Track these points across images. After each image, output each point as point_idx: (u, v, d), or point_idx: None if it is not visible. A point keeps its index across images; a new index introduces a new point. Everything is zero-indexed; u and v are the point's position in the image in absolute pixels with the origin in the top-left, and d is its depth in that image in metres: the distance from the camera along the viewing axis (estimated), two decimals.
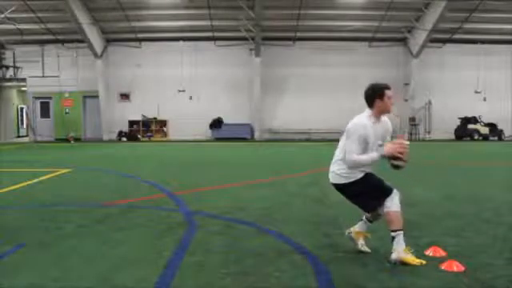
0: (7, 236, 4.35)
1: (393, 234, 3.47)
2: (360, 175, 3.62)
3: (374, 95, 3.58)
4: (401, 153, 3.46)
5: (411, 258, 3.44)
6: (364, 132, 3.51)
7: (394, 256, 3.46)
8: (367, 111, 3.62)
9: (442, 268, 3.36)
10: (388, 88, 3.60)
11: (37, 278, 3.21)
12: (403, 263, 3.42)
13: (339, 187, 3.75)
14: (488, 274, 3.27)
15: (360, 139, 3.51)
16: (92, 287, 3.10)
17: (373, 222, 3.83)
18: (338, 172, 3.69)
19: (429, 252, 3.73)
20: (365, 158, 3.52)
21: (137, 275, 3.28)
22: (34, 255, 3.77)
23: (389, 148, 3.48)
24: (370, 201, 3.64)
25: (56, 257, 3.74)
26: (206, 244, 4.08)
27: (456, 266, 3.36)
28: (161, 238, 4.28)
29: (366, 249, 3.79)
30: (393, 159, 3.51)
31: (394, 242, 3.46)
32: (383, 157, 3.50)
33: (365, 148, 3.54)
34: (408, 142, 3.52)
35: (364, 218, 3.84)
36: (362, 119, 3.58)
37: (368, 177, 3.63)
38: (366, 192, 3.62)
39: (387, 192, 3.54)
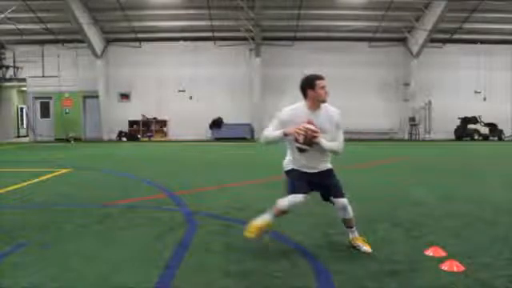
0: (7, 236, 4.35)
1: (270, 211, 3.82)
2: (288, 168, 3.94)
3: (305, 86, 3.78)
4: (299, 134, 3.63)
5: (254, 226, 3.79)
6: (281, 117, 3.80)
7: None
8: (302, 101, 3.83)
9: (442, 268, 3.37)
10: (319, 78, 3.77)
11: (37, 278, 3.21)
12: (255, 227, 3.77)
13: None
14: (488, 273, 3.26)
15: (278, 122, 3.80)
16: (92, 287, 3.10)
17: (351, 226, 3.91)
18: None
19: (429, 252, 3.73)
20: (270, 133, 3.82)
21: (137, 275, 3.28)
22: (34, 255, 3.77)
23: (290, 128, 3.69)
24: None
25: (56, 257, 3.74)
26: (206, 244, 4.08)
27: (456, 266, 3.36)
28: (161, 238, 4.28)
29: (366, 249, 3.81)
30: (295, 141, 3.71)
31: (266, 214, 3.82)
32: (285, 135, 3.71)
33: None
34: (312, 127, 3.63)
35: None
36: (290, 107, 3.84)
37: (291, 172, 3.90)
38: (288, 184, 3.90)
39: (290, 191, 3.78)
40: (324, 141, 3.68)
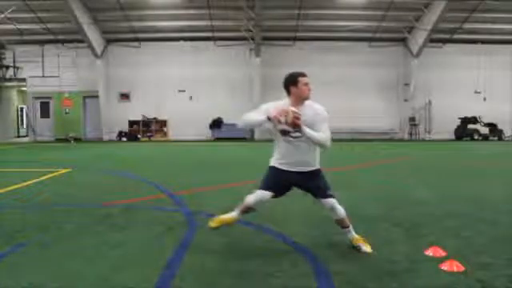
0: (7, 236, 4.35)
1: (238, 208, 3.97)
2: (270, 164, 3.96)
3: (288, 83, 3.78)
4: (281, 115, 3.61)
5: (219, 219, 4.01)
6: (263, 111, 3.76)
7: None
8: (285, 99, 3.82)
9: (442, 268, 3.36)
10: (302, 75, 3.78)
11: (37, 278, 3.21)
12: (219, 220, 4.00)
13: None
14: (488, 273, 3.26)
15: (261, 111, 3.77)
16: (92, 287, 3.10)
17: (345, 226, 3.89)
18: None
19: (429, 252, 3.73)
20: (251, 116, 3.80)
21: (137, 275, 3.28)
22: (34, 255, 3.77)
23: (272, 110, 3.69)
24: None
25: (56, 257, 3.74)
26: (206, 244, 4.08)
27: (456, 266, 3.36)
28: (161, 238, 4.28)
29: (366, 249, 3.80)
30: (278, 123, 3.68)
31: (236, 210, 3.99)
32: (269, 119, 3.65)
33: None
34: (293, 109, 3.61)
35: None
36: (273, 102, 3.83)
37: (272, 169, 3.92)
38: (264, 178, 3.96)
39: (261, 186, 3.88)
40: (307, 129, 3.62)
